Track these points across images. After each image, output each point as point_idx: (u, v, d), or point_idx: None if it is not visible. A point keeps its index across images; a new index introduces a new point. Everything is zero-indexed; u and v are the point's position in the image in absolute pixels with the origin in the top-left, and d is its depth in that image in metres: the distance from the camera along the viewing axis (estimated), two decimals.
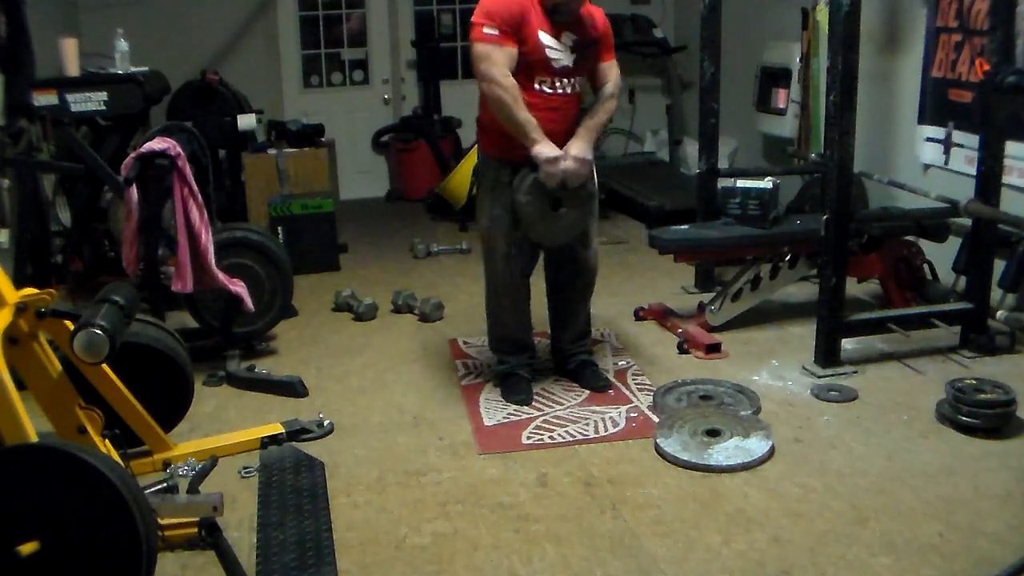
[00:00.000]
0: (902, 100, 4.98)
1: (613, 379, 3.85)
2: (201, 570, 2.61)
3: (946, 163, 4.62)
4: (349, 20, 7.70)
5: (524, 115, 3.30)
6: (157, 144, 3.77)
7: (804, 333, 4.22)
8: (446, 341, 4.41)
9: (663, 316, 4.54)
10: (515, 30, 3.30)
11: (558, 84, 3.43)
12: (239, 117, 5.85)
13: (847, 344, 3.95)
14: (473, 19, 3.34)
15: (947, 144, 4.59)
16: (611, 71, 3.60)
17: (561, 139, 3.48)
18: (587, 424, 3.46)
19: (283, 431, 3.38)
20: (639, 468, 3.13)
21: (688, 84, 7.49)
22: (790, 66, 5.82)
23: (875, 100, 4.99)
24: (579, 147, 3.39)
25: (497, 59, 3.27)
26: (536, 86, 3.40)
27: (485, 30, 3.27)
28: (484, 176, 3.59)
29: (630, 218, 6.51)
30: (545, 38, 3.36)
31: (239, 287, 3.95)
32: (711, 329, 4.31)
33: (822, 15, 5.22)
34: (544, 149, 3.31)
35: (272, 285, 4.23)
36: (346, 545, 2.72)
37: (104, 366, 2.78)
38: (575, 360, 3.86)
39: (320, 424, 3.47)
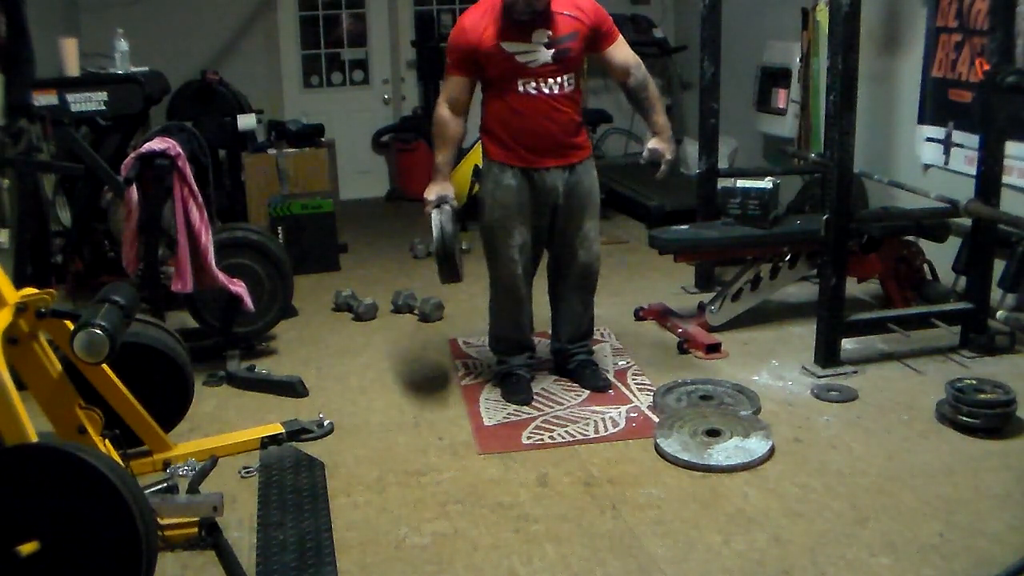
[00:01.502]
0: (902, 100, 4.98)
1: (613, 379, 3.85)
2: (201, 570, 2.61)
3: (946, 163, 4.62)
4: (349, 22, 7.69)
5: (436, 149, 3.53)
6: (157, 144, 3.77)
7: (804, 333, 4.22)
8: (446, 341, 4.41)
9: (663, 316, 4.54)
10: (467, 60, 3.45)
11: (543, 84, 3.43)
12: (239, 117, 5.85)
13: (847, 344, 3.95)
14: None
15: (947, 144, 4.59)
16: (621, 52, 3.58)
17: (559, 139, 3.51)
18: (587, 424, 3.46)
19: (283, 431, 3.38)
20: (639, 468, 3.13)
21: (688, 84, 7.50)
22: (790, 66, 5.82)
23: (875, 100, 4.99)
24: (668, 146, 3.59)
25: (445, 88, 3.53)
26: (520, 88, 3.43)
27: (446, 60, 3.52)
28: (486, 178, 3.60)
29: (630, 218, 6.51)
30: (510, 46, 3.39)
31: (239, 287, 3.95)
32: (711, 329, 4.31)
33: (822, 15, 5.23)
34: (428, 189, 3.50)
35: (272, 285, 4.23)
36: (346, 545, 2.72)
37: (104, 366, 2.78)
38: (575, 360, 3.86)
39: (320, 424, 3.47)
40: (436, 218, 3.45)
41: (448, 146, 3.52)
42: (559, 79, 3.45)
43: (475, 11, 3.46)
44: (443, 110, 3.50)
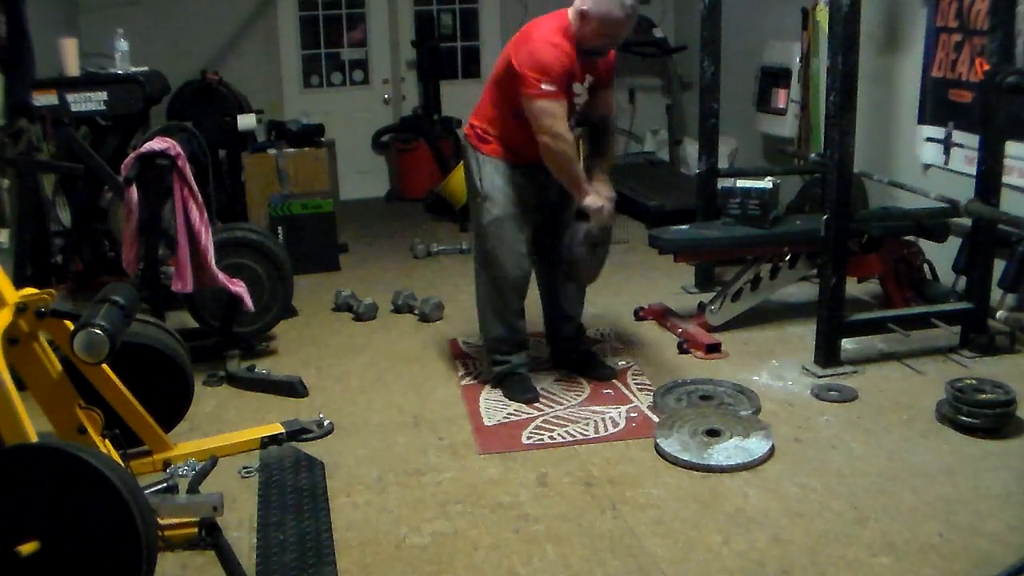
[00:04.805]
0: (902, 100, 4.98)
1: (613, 379, 3.85)
2: (201, 570, 2.61)
3: (946, 163, 4.62)
4: (354, 29, 7.69)
5: (579, 169, 3.47)
6: (157, 144, 3.77)
7: (804, 333, 4.22)
8: (446, 341, 4.41)
9: (663, 316, 4.54)
10: (567, 85, 3.39)
11: (570, 121, 3.49)
12: (239, 117, 5.85)
13: (847, 344, 3.95)
14: (527, 71, 3.33)
15: (947, 144, 4.59)
16: (609, 97, 3.69)
17: None
18: (587, 424, 3.46)
19: (283, 431, 3.38)
20: (639, 468, 3.13)
21: (688, 84, 7.49)
22: (790, 66, 5.82)
23: (875, 100, 4.99)
24: (610, 188, 3.59)
25: (560, 115, 3.36)
26: None
27: (544, 86, 3.32)
28: (490, 175, 3.56)
29: (630, 218, 6.50)
30: (575, 87, 3.44)
31: (239, 287, 3.95)
32: (711, 329, 4.31)
33: (822, 15, 5.23)
34: (595, 200, 3.47)
35: (272, 285, 4.23)
36: (346, 545, 2.72)
37: (104, 366, 2.78)
38: (576, 352, 3.90)
39: (320, 424, 3.48)
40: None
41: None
42: (577, 116, 3.56)
43: (555, 33, 3.39)
44: (571, 136, 3.41)
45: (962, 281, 4.26)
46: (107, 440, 2.75)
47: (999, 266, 4.04)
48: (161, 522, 2.53)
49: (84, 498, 2.20)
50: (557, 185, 3.56)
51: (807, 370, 3.87)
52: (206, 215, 3.84)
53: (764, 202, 4.36)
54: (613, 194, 3.60)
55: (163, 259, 4.06)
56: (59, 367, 2.72)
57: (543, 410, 3.60)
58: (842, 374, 3.82)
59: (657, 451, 3.21)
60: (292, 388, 3.82)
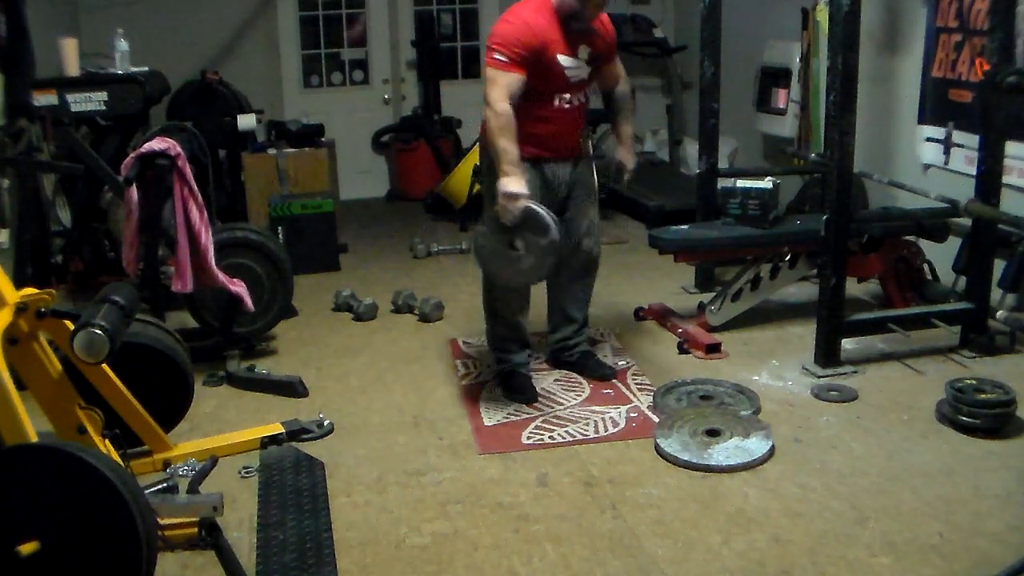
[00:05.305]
0: (902, 100, 4.98)
1: (613, 379, 3.85)
2: (201, 570, 2.61)
3: (946, 163, 4.62)
4: (351, 27, 7.69)
5: (504, 144, 3.28)
6: (157, 144, 3.77)
7: (804, 333, 4.22)
8: (446, 341, 4.41)
9: (663, 316, 4.54)
10: (528, 59, 3.33)
11: (574, 98, 3.52)
12: (239, 117, 5.85)
13: (847, 344, 3.95)
14: (489, 43, 3.38)
15: (947, 144, 4.59)
16: (618, 70, 3.75)
17: (574, 142, 3.60)
18: (587, 424, 3.46)
19: (283, 431, 3.38)
20: (639, 468, 3.13)
21: (688, 84, 7.49)
22: (790, 66, 5.82)
23: (875, 100, 4.99)
24: (632, 157, 3.79)
25: (499, 83, 3.31)
26: (556, 102, 3.48)
27: (495, 55, 3.33)
28: (494, 171, 3.57)
29: (630, 218, 6.51)
30: (564, 60, 3.42)
31: (239, 287, 3.95)
32: (711, 329, 4.31)
33: (822, 15, 5.23)
34: (509, 183, 3.26)
35: (272, 285, 4.23)
36: (346, 545, 2.72)
37: (104, 366, 2.78)
38: (576, 352, 3.90)
39: (320, 424, 3.47)
40: (543, 210, 3.29)
41: (515, 140, 3.30)
42: (585, 91, 3.57)
43: (529, 9, 3.41)
44: (506, 105, 3.28)
45: (962, 281, 4.26)
46: (107, 440, 2.75)
47: (999, 266, 4.04)
48: (161, 522, 2.53)
49: (84, 498, 2.20)
50: (565, 181, 3.58)
51: (807, 370, 3.87)
52: (206, 215, 3.84)
53: (764, 202, 4.36)
54: (634, 163, 3.78)
55: (163, 259, 4.06)
56: (59, 367, 2.72)
57: (543, 410, 3.60)
58: (842, 374, 3.82)
59: (657, 451, 3.21)
60: (292, 388, 3.82)
